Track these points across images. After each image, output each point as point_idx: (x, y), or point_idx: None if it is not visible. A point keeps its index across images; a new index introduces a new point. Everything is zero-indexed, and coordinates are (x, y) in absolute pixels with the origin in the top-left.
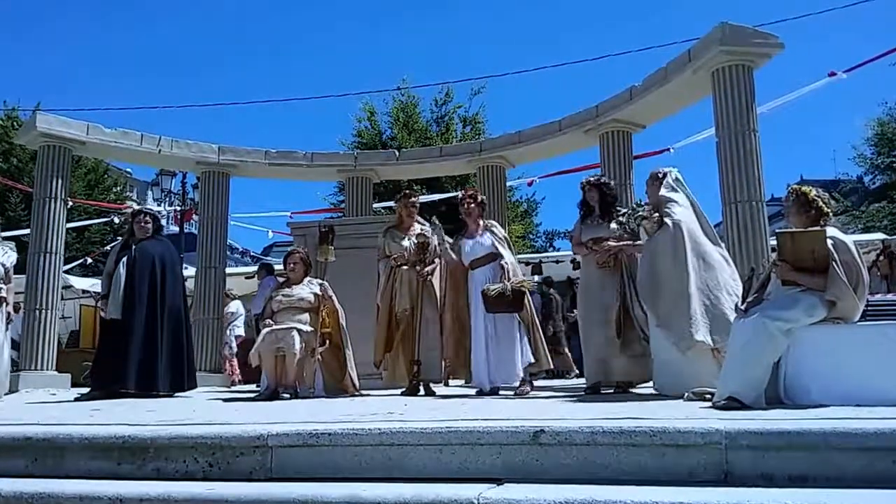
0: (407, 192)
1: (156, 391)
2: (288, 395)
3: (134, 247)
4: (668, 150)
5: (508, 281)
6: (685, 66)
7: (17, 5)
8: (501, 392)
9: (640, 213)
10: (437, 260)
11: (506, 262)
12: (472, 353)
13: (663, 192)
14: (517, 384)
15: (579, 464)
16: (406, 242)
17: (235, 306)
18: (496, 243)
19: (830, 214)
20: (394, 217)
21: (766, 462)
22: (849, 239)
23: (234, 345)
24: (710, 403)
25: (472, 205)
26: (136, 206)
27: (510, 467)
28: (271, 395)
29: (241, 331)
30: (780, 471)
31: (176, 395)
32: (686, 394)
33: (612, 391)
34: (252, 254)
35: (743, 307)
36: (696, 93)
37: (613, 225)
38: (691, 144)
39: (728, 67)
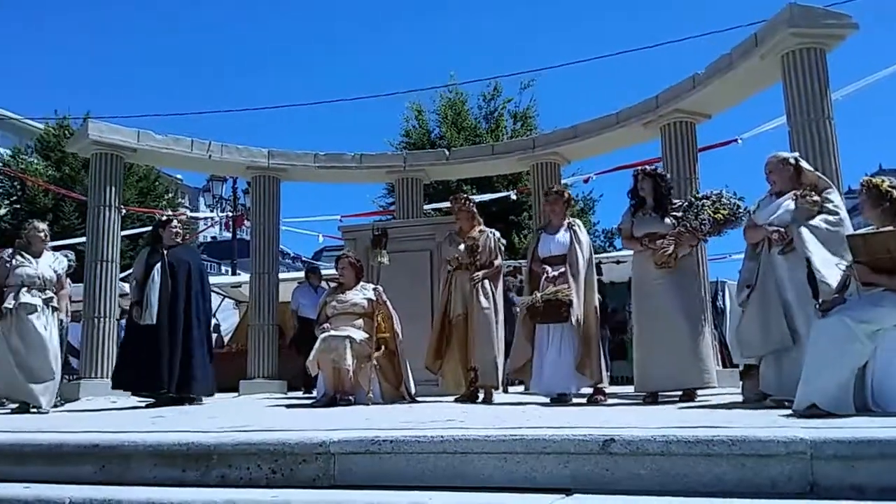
0: (457, 195)
1: (191, 396)
2: (345, 402)
3: (165, 253)
4: (736, 140)
5: (544, 290)
6: (752, 51)
7: (63, 18)
8: (551, 399)
9: (808, 196)
10: (495, 262)
11: (568, 269)
12: (534, 358)
13: (809, 169)
14: (572, 391)
15: (652, 475)
16: (461, 246)
17: None
18: (575, 243)
19: None
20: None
21: (855, 473)
22: None
23: None
24: (789, 411)
25: (559, 200)
26: (166, 214)
27: (579, 477)
28: (329, 401)
29: None
30: (871, 482)
31: (197, 400)
32: (766, 400)
33: (677, 399)
34: (303, 259)
35: (821, 308)
36: (764, 79)
37: (669, 220)
38: (761, 134)
39: (798, 51)
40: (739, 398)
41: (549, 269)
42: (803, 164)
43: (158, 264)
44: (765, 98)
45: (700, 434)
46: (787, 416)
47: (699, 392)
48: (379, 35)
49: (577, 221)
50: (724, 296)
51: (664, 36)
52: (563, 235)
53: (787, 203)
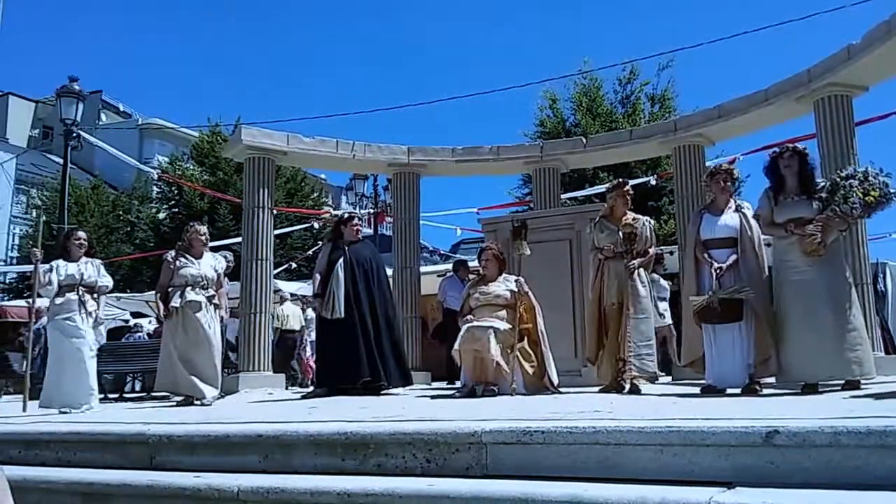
0: (620, 180)
1: (385, 387)
2: (489, 393)
3: (347, 249)
4: None
5: (717, 289)
6: None
7: (209, 27)
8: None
9: None
10: (650, 250)
11: (741, 256)
12: (706, 350)
13: None
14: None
15: (820, 467)
16: (618, 233)
17: (297, 311)
18: (746, 228)
19: None
20: (604, 207)
21: None
22: None
23: (309, 348)
24: None
25: (729, 179)
26: (347, 212)
27: (740, 470)
28: (469, 392)
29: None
30: None
31: (391, 391)
32: None
33: (838, 389)
34: (442, 252)
35: None
36: None
37: (815, 203)
38: None
39: None
40: None
41: (714, 260)
42: None
43: (341, 259)
44: None
45: (872, 424)
46: None
47: (862, 382)
48: (510, 26)
49: (746, 203)
50: (884, 278)
51: (815, 7)
52: (731, 217)
53: None
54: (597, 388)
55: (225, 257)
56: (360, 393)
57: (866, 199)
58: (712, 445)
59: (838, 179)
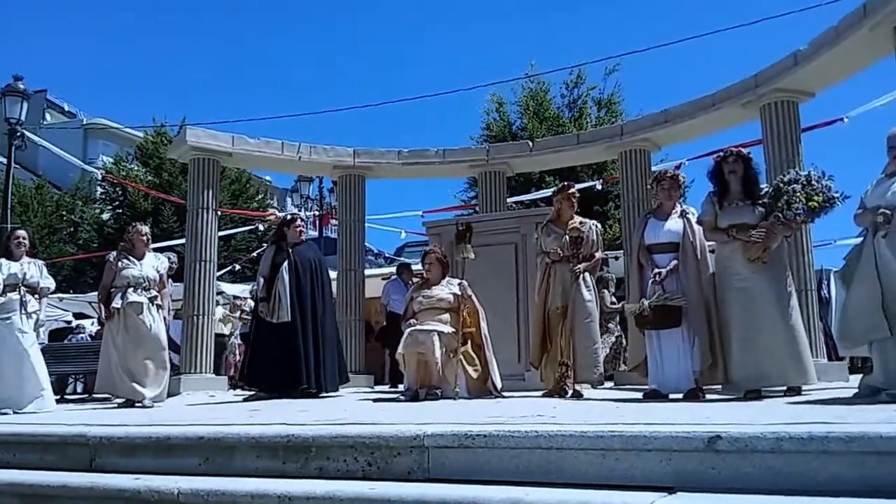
0: (566, 183)
1: (324, 391)
2: (431, 397)
3: (291, 251)
4: (842, 119)
5: (652, 295)
6: (860, 24)
7: (158, 30)
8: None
9: None
10: (596, 255)
11: (681, 261)
12: (648, 355)
13: None
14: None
15: (762, 473)
16: (564, 237)
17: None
18: (689, 233)
19: None
20: (551, 210)
21: None
22: None
23: (237, 352)
24: None
25: (675, 184)
26: (290, 213)
27: (682, 475)
28: (413, 396)
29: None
30: None
31: (328, 394)
32: (881, 395)
33: (780, 395)
34: (386, 255)
35: None
36: (873, 53)
37: (758, 209)
38: (869, 112)
39: None
40: (847, 393)
41: (656, 265)
42: None
43: (286, 262)
44: (874, 73)
45: (814, 430)
46: None
47: (803, 388)
48: (458, 29)
49: (692, 209)
50: (828, 285)
51: (762, 12)
52: (675, 223)
53: None
54: (540, 393)
55: (168, 258)
56: (301, 396)
57: (809, 204)
58: (654, 450)
59: (781, 185)
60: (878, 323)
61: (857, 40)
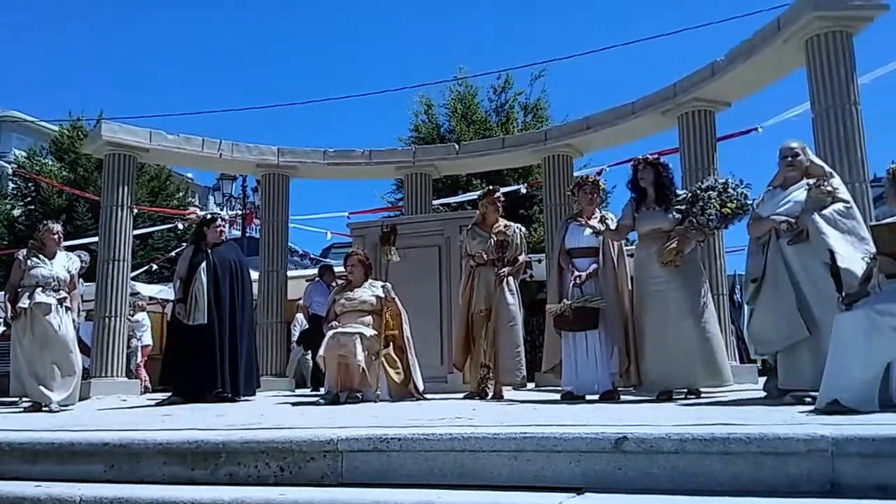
0: (491, 187)
1: (240, 395)
2: (353, 400)
3: (210, 252)
4: (756, 129)
5: (573, 297)
6: (774, 37)
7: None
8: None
9: (823, 186)
10: (520, 258)
11: (601, 265)
12: (564, 357)
13: (816, 159)
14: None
15: (667, 473)
16: (489, 241)
17: (142, 316)
18: (607, 242)
19: None
20: (476, 214)
21: (879, 471)
22: None
23: (139, 354)
24: (810, 407)
25: (596, 190)
26: (210, 213)
27: (590, 476)
28: (334, 399)
29: (148, 339)
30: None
31: (242, 398)
32: (786, 396)
33: (682, 397)
34: (312, 256)
35: (844, 301)
36: (787, 65)
37: (673, 214)
38: (783, 122)
39: (823, 35)
40: (758, 394)
41: (576, 268)
42: (810, 153)
43: (204, 263)
44: (787, 84)
45: (716, 432)
46: (808, 412)
47: (716, 390)
48: (386, 29)
49: (610, 214)
50: (741, 289)
51: (683, 23)
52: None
53: (797, 194)
54: (462, 395)
55: (80, 257)
56: (217, 400)
57: (723, 210)
58: (564, 452)
59: (699, 191)
60: (796, 326)
61: (771, 52)
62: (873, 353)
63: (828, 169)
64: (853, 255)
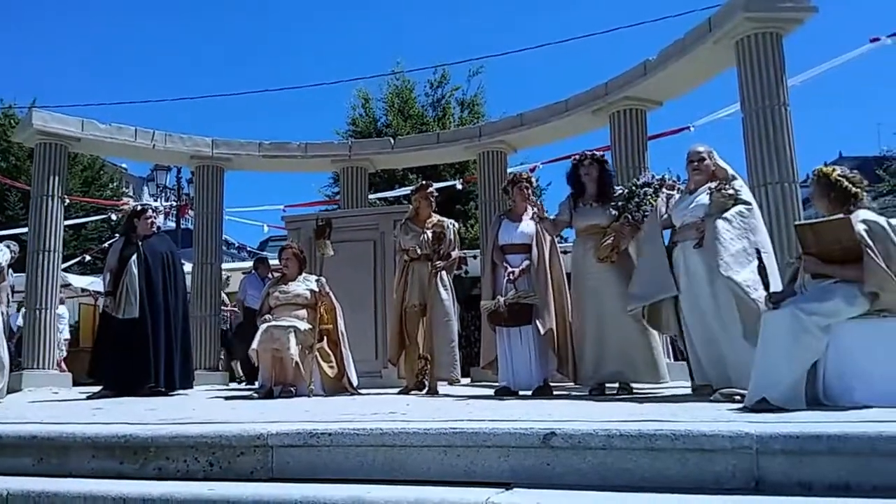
0: (424, 182)
1: (176, 388)
2: (286, 394)
3: (141, 244)
4: (688, 128)
5: (507, 294)
6: (705, 37)
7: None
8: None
9: (724, 189)
10: (453, 253)
11: (533, 262)
12: (499, 353)
13: (721, 162)
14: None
15: (594, 469)
16: (423, 235)
17: (62, 310)
18: (541, 235)
19: (861, 196)
20: (409, 208)
21: (802, 469)
22: (888, 221)
23: (63, 347)
24: (738, 405)
25: (529, 187)
26: (140, 204)
27: (519, 471)
28: (267, 393)
29: (66, 334)
30: (819, 479)
31: (179, 392)
32: (714, 394)
33: (615, 392)
34: (248, 249)
35: (772, 300)
36: (718, 65)
37: (610, 211)
38: (714, 122)
39: (753, 36)
40: (687, 391)
41: (509, 264)
42: (716, 157)
43: (135, 255)
44: (718, 84)
45: (643, 428)
46: (737, 410)
47: (650, 386)
48: (324, 21)
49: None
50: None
51: (617, 21)
52: (528, 225)
53: (702, 198)
54: (396, 390)
55: (8, 247)
56: (149, 394)
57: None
58: (493, 447)
59: (634, 187)
60: (666, 282)
61: (702, 52)
62: (800, 352)
63: (731, 172)
64: (740, 257)
